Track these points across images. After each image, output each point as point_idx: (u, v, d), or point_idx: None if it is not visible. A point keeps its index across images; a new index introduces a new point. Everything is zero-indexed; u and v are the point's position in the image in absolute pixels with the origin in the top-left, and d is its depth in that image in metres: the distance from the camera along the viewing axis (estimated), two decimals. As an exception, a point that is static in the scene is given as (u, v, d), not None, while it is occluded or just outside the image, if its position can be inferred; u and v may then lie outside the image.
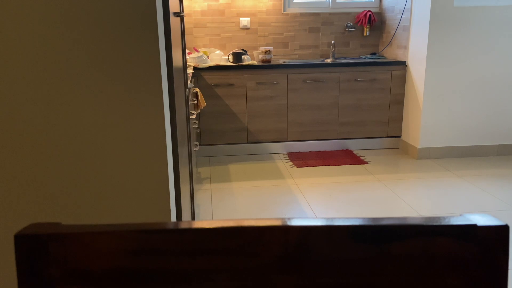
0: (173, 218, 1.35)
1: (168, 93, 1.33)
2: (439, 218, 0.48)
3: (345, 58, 4.31)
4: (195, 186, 3.18)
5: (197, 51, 3.84)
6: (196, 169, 3.51)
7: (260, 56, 3.93)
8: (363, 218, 0.48)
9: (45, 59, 1.13)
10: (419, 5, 3.65)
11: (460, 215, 0.48)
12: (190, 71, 3.14)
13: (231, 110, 3.82)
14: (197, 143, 2.60)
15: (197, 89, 3.08)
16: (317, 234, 0.47)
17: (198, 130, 3.79)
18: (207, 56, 3.87)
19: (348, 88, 3.92)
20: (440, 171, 3.47)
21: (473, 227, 0.46)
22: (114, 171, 1.22)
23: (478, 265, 0.46)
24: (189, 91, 2.36)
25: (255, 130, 3.91)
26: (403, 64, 3.91)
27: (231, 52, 3.84)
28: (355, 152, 4.02)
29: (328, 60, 4.12)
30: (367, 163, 3.70)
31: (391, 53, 4.20)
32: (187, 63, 3.64)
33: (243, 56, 3.85)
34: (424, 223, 0.47)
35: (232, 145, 3.94)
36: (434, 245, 0.46)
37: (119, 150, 1.21)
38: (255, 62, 3.87)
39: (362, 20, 4.28)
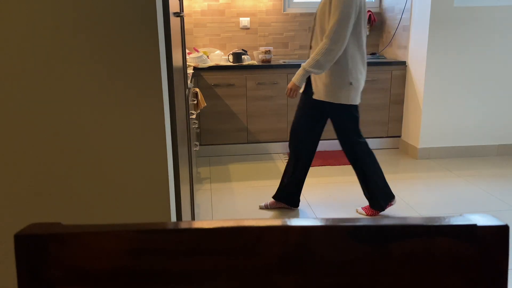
0: (173, 218, 1.35)
1: (168, 93, 1.33)
2: (439, 218, 0.48)
3: (345, 58, 4.30)
4: (195, 186, 3.18)
5: (197, 51, 3.84)
6: (196, 169, 3.51)
7: (260, 56, 3.93)
8: (363, 218, 0.48)
9: (45, 59, 1.13)
10: (419, 5, 3.65)
11: (460, 215, 0.48)
12: (190, 71, 3.14)
13: (231, 110, 3.82)
14: (197, 143, 2.60)
15: (197, 89, 3.08)
16: (317, 234, 0.47)
17: (198, 130, 3.79)
18: (207, 56, 3.87)
19: (348, 88, 3.92)
20: (440, 171, 3.47)
21: (473, 227, 0.46)
22: (114, 171, 1.22)
23: (478, 265, 0.46)
24: (189, 91, 2.36)
25: (255, 130, 3.91)
26: (403, 64, 3.91)
27: (231, 52, 3.84)
28: (355, 152, 4.02)
29: (328, 60, 4.11)
30: (367, 163, 3.70)
31: (391, 53, 4.20)
32: (187, 63, 3.64)
33: (243, 56, 3.85)
34: (424, 223, 0.47)
35: (232, 145, 3.94)
36: (434, 245, 0.46)
37: (119, 150, 1.21)
38: (255, 62, 3.87)
39: (362, 20, 4.27)
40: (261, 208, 2.81)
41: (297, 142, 2.61)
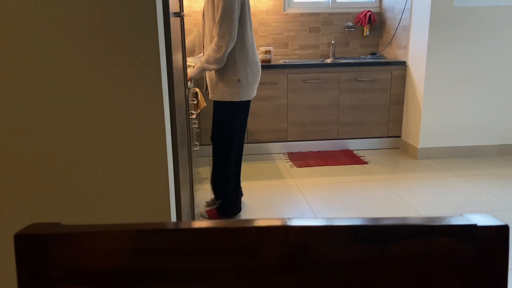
0: (173, 218, 1.35)
1: (168, 93, 1.33)
2: (439, 218, 0.48)
3: (345, 58, 4.31)
4: (195, 186, 3.17)
5: (197, 51, 3.83)
6: (196, 169, 3.51)
7: (260, 56, 3.93)
8: (363, 218, 0.48)
9: (45, 59, 1.13)
10: (419, 5, 3.65)
11: (460, 215, 0.48)
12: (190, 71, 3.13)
13: (231, 110, 3.82)
14: (197, 143, 2.60)
15: (197, 89, 3.07)
16: (317, 234, 0.47)
17: (198, 130, 3.79)
18: (207, 56, 3.87)
19: (348, 88, 3.92)
20: (440, 171, 3.47)
21: (473, 227, 0.46)
22: (114, 171, 1.22)
23: (478, 265, 0.46)
24: (189, 91, 2.36)
25: (255, 130, 3.91)
26: (403, 64, 3.91)
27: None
28: (355, 152, 4.02)
29: (328, 60, 4.12)
30: (367, 163, 3.70)
31: (391, 53, 4.20)
32: (187, 63, 3.63)
33: (243, 56, 3.85)
34: (424, 223, 0.47)
35: (232, 145, 3.94)
36: (434, 245, 0.46)
37: (119, 150, 1.21)
38: (255, 62, 3.87)
39: (362, 20, 4.28)
40: (203, 216, 2.78)
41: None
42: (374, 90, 3.95)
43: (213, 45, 2.31)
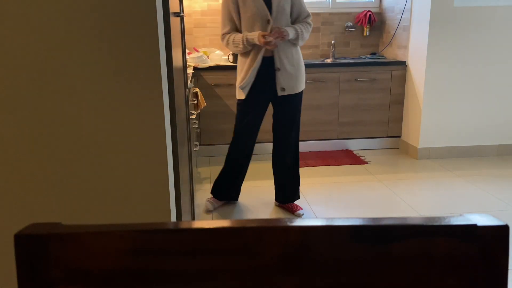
0: (173, 218, 1.35)
1: (168, 93, 1.33)
2: (439, 218, 0.48)
3: (345, 58, 4.31)
4: (195, 186, 3.18)
5: (197, 51, 3.84)
6: (196, 169, 3.51)
7: (260, 56, 3.92)
8: (363, 218, 0.48)
9: (45, 59, 1.13)
10: (419, 5, 3.65)
11: (460, 215, 0.48)
12: (190, 71, 3.13)
13: (231, 110, 3.82)
14: (197, 143, 2.60)
15: (197, 89, 3.08)
16: (317, 234, 0.47)
17: (198, 130, 3.79)
18: (207, 56, 3.87)
19: (348, 88, 3.92)
20: (440, 171, 3.47)
21: (473, 227, 0.46)
22: (114, 171, 1.22)
23: (478, 265, 0.46)
24: (189, 91, 2.35)
25: (255, 130, 3.91)
26: (403, 64, 3.91)
27: (231, 52, 3.84)
28: (355, 152, 4.02)
29: (328, 60, 4.12)
30: (367, 163, 3.70)
31: (391, 53, 4.20)
32: (187, 63, 3.63)
33: (243, 56, 3.84)
34: (424, 223, 0.47)
35: (232, 145, 3.93)
36: (434, 245, 0.46)
37: (119, 150, 1.21)
38: (255, 62, 3.86)
39: (362, 20, 4.28)
40: (209, 211, 2.82)
41: (252, 142, 2.72)
42: (374, 90, 3.95)
43: (307, 26, 2.49)
